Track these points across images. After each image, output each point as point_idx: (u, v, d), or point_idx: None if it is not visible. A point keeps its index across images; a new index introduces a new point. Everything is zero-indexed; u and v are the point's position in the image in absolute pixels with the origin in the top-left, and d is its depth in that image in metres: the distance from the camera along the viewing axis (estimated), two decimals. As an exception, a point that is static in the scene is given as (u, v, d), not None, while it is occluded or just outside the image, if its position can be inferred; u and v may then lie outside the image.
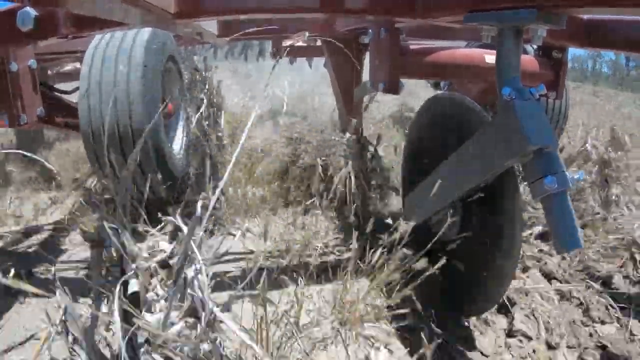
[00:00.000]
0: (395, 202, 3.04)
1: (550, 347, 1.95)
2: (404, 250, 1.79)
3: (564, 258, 2.53)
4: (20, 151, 2.93)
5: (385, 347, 1.84)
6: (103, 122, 2.60)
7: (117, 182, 2.53)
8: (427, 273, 1.71)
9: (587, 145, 3.42)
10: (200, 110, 3.71)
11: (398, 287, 1.80)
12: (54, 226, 3.01)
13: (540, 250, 2.61)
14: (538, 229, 2.74)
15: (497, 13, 1.45)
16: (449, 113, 2.07)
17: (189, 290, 1.20)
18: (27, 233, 2.91)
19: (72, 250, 2.69)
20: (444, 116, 2.10)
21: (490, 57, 2.23)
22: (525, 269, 2.47)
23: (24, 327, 1.95)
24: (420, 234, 2.33)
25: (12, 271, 1.55)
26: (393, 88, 2.14)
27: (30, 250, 2.68)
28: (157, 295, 1.26)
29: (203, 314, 1.14)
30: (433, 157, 2.06)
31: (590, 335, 2.03)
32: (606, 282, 2.39)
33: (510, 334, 2.01)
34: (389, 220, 2.70)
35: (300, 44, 4.58)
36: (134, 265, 1.31)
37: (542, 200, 1.40)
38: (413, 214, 2.21)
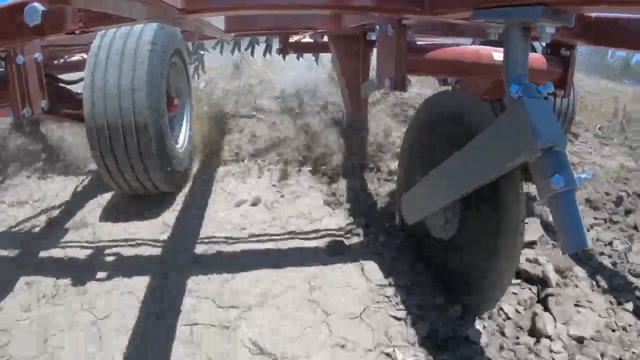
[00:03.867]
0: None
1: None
2: None
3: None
4: None
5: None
6: (107, 116, 2.61)
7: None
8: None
9: None
10: None
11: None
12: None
13: None
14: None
15: (503, 9, 1.45)
16: (453, 110, 2.06)
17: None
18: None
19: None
20: (448, 113, 2.09)
21: (498, 55, 2.22)
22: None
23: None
24: (417, 233, 2.33)
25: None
26: (400, 85, 2.13)
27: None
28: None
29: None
30: (434, 155, 2.05)
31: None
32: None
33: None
34: None
35: (307, 40, 4.58)
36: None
37: (548, 199, 1.39)
38: (411, 212, 2.20)
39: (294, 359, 1.74)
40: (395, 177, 2.71)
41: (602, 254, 2.54)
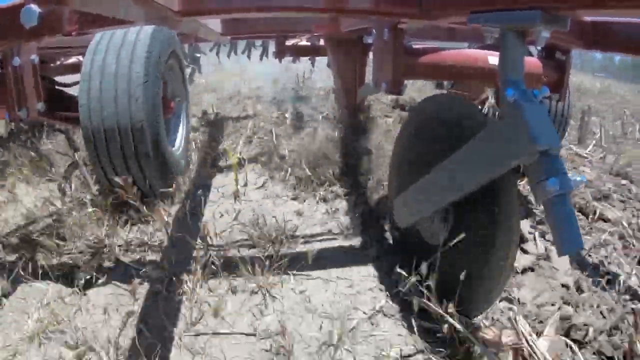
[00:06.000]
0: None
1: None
2: None
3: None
4: None
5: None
6: (103, 119, 2.60)
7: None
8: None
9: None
10: None
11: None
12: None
13: None
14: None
15: (500, 14, 1.45)
16: (446, 114, 2.06)
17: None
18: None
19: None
20: (441, 117, 2.09)
21: (493, 58, 2.23)
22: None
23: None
24: (408, 236, 2.32)
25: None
26: (396, 88, 2.14)
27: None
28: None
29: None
30: (427, 159, 2.05)
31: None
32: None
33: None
34: None
35: (303, 43, 4.59)
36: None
37: (544, 203, 1.39)
38: (404, 216, 2.20)
39: None
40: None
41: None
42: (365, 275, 2.29)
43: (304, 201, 3.10)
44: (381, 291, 2.16)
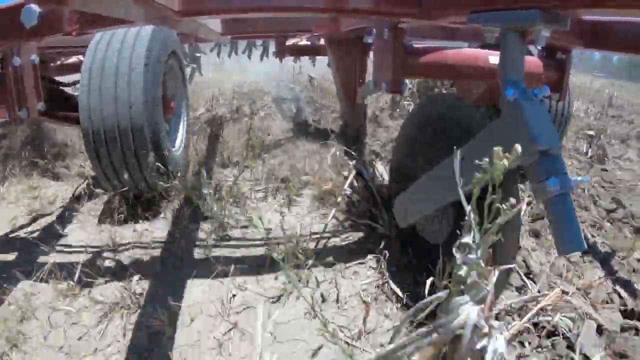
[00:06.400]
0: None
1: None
2: None
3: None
4: None
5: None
6: (103, 119, 2.60)
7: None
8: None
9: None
10: None
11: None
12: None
13: None
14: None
15: (500, 13, 1.45)
16: (446, 113, 2.06)
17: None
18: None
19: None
20: (441, 116, 2.09)
21: (494, 58, 2.22)
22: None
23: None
24: (408, 235, 2.33)
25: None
26: (396, 88, 2.14)
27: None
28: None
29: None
30: (427, 158, 2.05)
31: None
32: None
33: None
34: None
35: (303, 43, 4.59)
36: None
37: (544, 202, 1.39)
38: (404, 215, 2.20)
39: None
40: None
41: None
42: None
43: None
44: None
